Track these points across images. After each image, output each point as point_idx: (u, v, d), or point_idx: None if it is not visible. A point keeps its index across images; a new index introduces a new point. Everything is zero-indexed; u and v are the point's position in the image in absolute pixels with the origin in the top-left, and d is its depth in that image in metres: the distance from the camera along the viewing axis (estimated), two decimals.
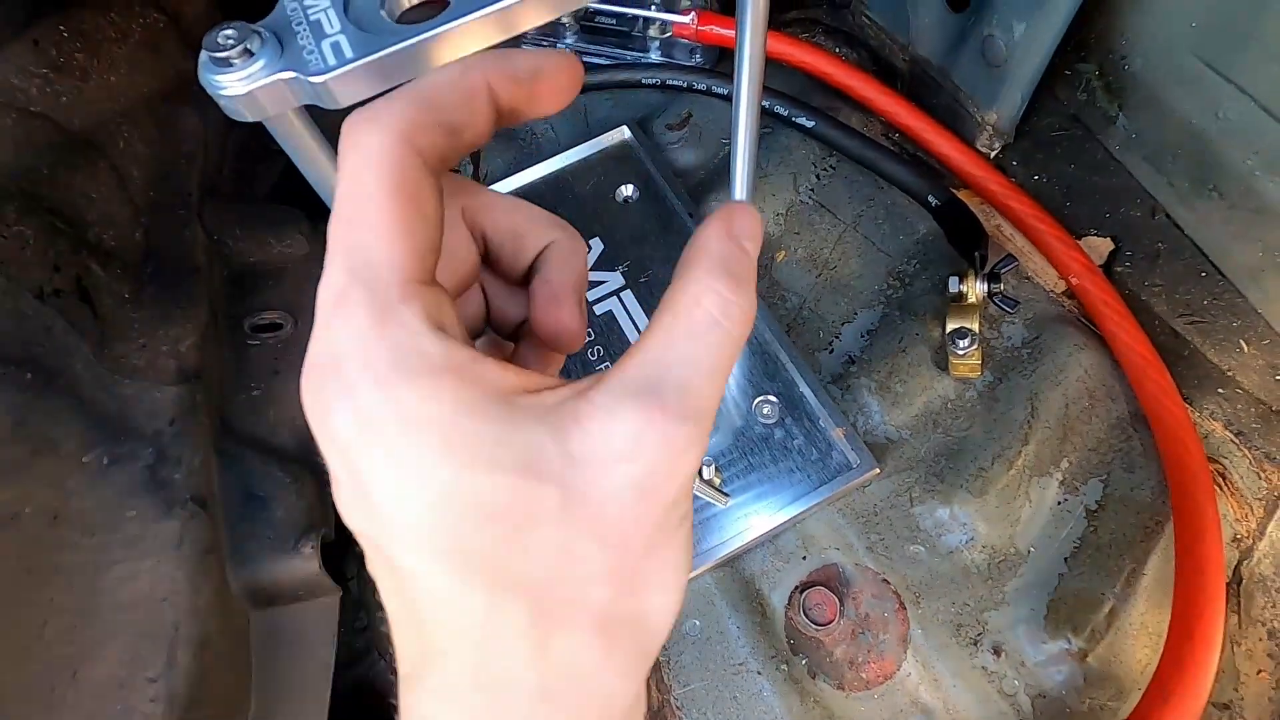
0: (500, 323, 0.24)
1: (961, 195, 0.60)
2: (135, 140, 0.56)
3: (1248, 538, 0.50)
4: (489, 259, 0.23)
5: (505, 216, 0.22)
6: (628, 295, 0.59)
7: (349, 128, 0.17)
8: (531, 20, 0.26)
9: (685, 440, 0.16)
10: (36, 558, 0.40)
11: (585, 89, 0.71)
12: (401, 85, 0.19)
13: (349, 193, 0.17)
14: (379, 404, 0.16)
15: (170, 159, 0.59)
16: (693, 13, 0.67)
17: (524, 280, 0.23)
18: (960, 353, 0.52)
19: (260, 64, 0.24)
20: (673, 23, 0.69)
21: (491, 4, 0.25)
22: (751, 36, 0.37)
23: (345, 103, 0.25)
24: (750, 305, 0.18)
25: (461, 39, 0.25)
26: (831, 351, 0.57)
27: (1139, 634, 0.47)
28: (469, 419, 0.16)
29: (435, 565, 0.16)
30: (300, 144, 0.29)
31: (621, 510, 0.16)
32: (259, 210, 0.64)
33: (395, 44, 0.24)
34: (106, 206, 0.52)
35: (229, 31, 0.24)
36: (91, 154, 0.53)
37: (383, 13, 0.25)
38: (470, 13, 0.25)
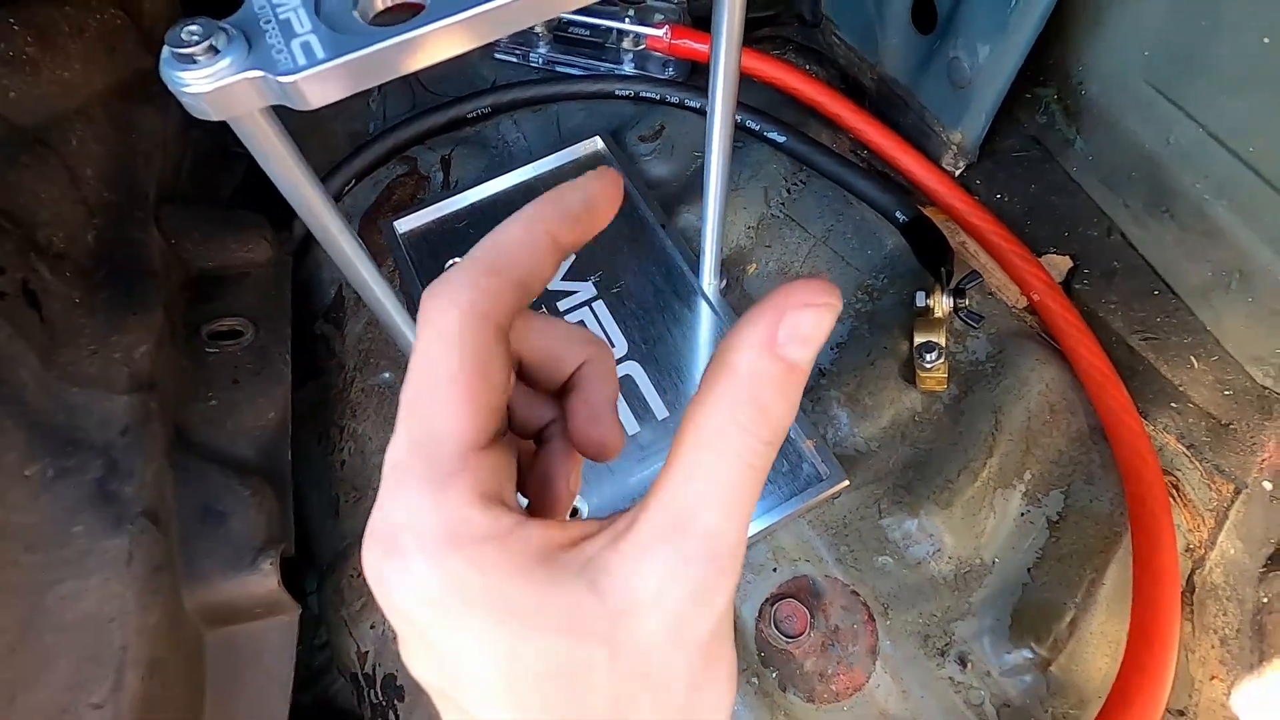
0: (524, 426, 0.24)
1: (928, 212, 0.61)
2: (89, 138, 0.54)
3: (1200, 548, 0.52)
4: (522, 374, 0.23)
5: (541, 339, 0.22)
6: (599, 305, 0.58)
7: (427, 302, 0.18)
8: (505, 27, 0.26)
9: (714, 579, 0.17)
10: None
11: (558, 99, 0.71)
12: (472, 247, 0.19)
13: (421, 367, 0.18)
14: (433, 577, 0.17)
15: (126, 159, 0.57)
16: (666, 26, 0.68)
17: (554, 391, 0.23)
18: (927, 366, 0.53)
19: (226, 62, 0.23)
20: (646, 35, 0.69)
21: (466, 10, 0.25)
22: (726, 52, 0.38)
23: (315, 104, 0.24)
24: (779, 435, 0.17)
25: (435, 44, 0.25)
26: None
27: (1099, 643, 0.48)
28: (515, 586, 0.17)
29: (506, 718, 0.17)
30: (266, 145, 0.28)
31: (661, 655, 0.17)
32: (220, 214, 0.62)
33: (368, 46, 0.24)
34: (57, 206, 0.50)
35: (194, 27, 0.23)
36: (42, 151, 0.51)
37: (355, 14, 0.25)
38: (445, 17, 0.24)
